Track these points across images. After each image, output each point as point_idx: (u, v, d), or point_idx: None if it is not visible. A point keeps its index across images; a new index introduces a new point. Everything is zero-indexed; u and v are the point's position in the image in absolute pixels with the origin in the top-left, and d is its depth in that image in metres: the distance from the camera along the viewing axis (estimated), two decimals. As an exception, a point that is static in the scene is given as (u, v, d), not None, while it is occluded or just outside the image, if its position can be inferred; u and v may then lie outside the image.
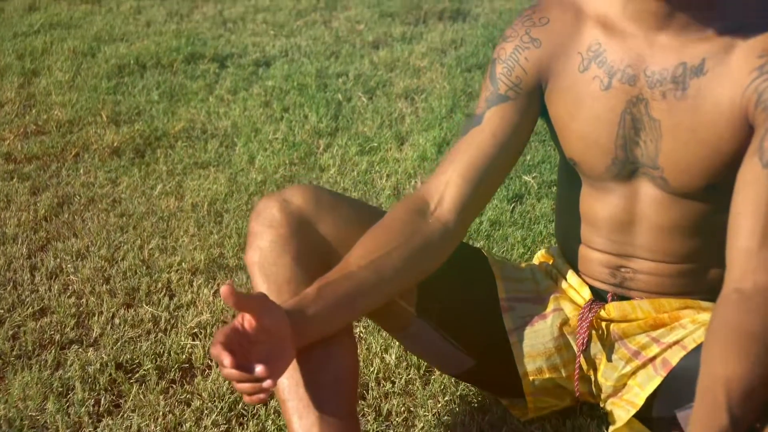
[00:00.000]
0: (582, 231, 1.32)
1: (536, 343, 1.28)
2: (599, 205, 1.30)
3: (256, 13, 3.48)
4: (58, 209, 1.92)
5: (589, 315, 1.27)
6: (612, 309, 1.27)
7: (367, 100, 2.56)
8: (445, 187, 1.21)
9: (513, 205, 1.93)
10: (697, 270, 1.30)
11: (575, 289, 1.31)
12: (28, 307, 1.55)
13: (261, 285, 1.18)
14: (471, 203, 1.22)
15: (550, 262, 1.38)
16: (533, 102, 1.23)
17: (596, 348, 1.28)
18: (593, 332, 1.28)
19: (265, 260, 1.18)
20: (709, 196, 1.24)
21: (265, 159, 2.16)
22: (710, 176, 1.21)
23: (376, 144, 2.25)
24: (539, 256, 1.41)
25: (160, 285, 1.63)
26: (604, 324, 1.28)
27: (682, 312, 1.27)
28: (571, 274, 1.32)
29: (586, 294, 1.29)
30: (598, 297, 1.29)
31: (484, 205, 1.30)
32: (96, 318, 1.53)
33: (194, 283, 1.64)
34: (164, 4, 3.55)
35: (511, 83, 1.22)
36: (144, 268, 1.68)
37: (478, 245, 1.80)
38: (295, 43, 3.11)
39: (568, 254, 1.35)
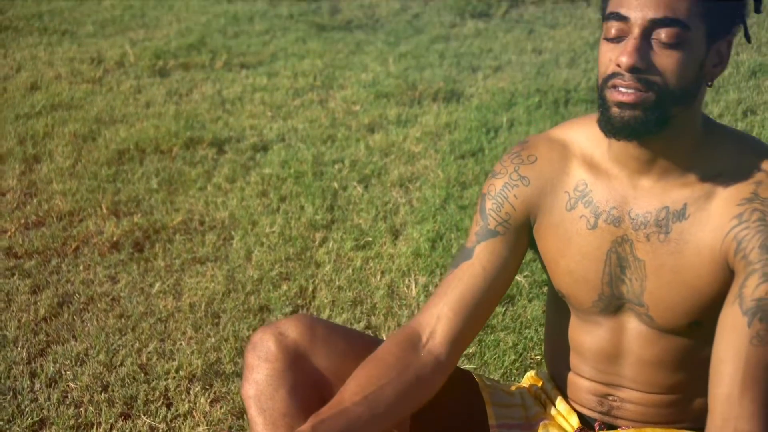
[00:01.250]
0: (570, 358, 1.36)
1: None
2: (586, 337, 1.33)
3: (254, 93, 3.55)
4: (58, 309, 1.96)
5: None
6: None
7: (362, 190, 2.61)
8: (437, 321, 1.25)
9: (505, 307, 1.97)
10: (683, 400, 1.33)
11: (563, 416, 1.35)
12: (27, 418, 1.58)
13: (257, 418, 1.21)
14: (462, 336, 1.26)
15: (539, 385, 1.41)
16: (522, 237, 1.28)
17: None
18: None
19: (261, 394, 1.22)
20: (693, 332, 1.27)
21: (262, 254, 2.20)
22: (693, 314, 1.25)
23: (371, 238, 2.30)
24: (529, 378, 1.45)
25: (157, 393, 1.66)
26: None
27: None
28: (560, 401, 1.36)
29: (575, 422, 1.32)
30: (586, 425, 1.33)
31: (475, 336, 1.33)
32: (94, 430, 1.56)
33: (191, 391, 1.67)
34: (164, 83, 3.62)
35: (501, 219, 1.27)
36: (142, 374, 1.72)
37: (470, 351, 1.83)
38: (292, 126, 3.18)
39: (557, 379, 1.39)
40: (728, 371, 1.17)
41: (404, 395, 1.21)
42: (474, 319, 1.27)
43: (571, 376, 1.37)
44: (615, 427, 1.34)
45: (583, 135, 1.29)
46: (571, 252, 1.29)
